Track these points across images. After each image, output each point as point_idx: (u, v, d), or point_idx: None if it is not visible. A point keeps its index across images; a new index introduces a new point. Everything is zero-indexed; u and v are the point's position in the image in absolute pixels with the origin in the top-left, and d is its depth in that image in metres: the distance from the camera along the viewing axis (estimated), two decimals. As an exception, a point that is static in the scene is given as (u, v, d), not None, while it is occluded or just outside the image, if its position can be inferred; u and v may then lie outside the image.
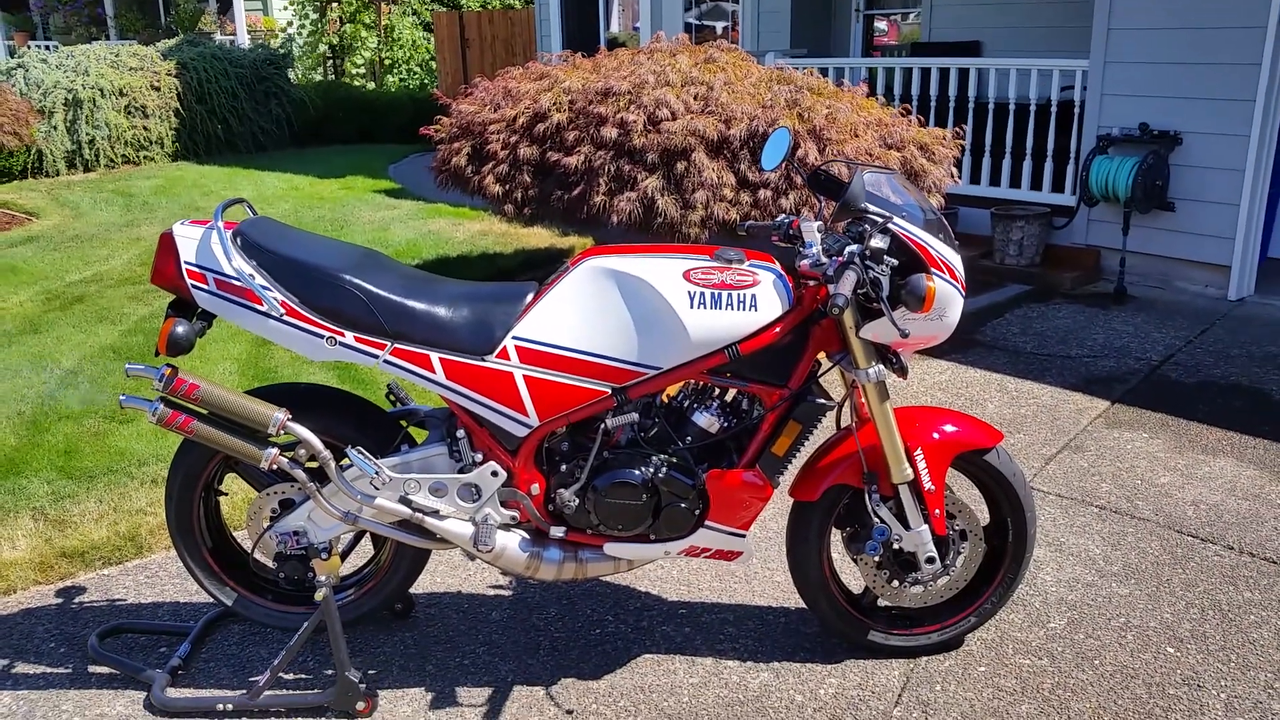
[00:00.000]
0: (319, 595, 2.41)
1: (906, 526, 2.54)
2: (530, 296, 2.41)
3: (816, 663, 2.70)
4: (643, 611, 2.95)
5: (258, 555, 2.60)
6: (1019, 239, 6.56)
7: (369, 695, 2.51)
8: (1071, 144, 6.56)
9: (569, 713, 2.52)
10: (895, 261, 2.29)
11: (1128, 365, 4.98)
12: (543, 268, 6.83)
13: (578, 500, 2.44)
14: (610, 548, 2.50)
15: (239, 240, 2.34)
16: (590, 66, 5.35)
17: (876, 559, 2.61)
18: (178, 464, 2.56)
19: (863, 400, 2.55)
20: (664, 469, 2.44)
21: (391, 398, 2.71)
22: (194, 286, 2.33)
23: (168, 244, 2.36)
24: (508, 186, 4.95)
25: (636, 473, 2.43)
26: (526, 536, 2.51)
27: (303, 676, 2.65)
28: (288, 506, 2.55)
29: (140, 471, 3.68)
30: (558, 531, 2.49)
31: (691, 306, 2.32)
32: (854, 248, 2.28)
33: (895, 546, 2.57)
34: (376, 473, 2.39)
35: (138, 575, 3.16)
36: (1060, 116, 6.58)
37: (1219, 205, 5.83)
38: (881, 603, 2.75)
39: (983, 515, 2.79)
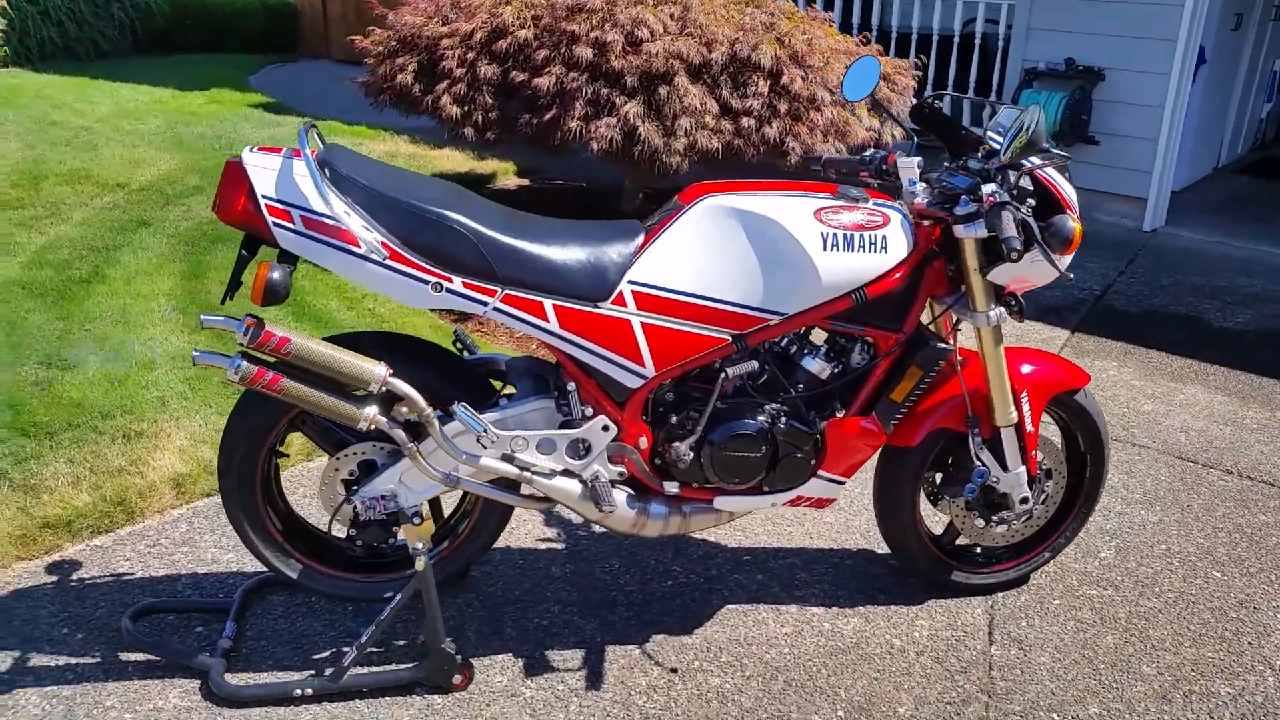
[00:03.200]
0: (419, 564, 2.20)
1: (1005, 468, 2.53)
2: (642, 237, 2.23)
3: (898, 605, 2.69)
4: (707, 560, 2.86)
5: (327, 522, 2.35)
6: (943, 170, 6.67)
7: (464, 666, 2.33)
8: (994, 77, 6.69)
9: (673, 670, 2.42)
10: (1034, 202, 2.23)
11: (1073, 295, 5.17)
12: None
13: (692, 454, 2.30)
14: (721, 501, 2.38)
15: (327, 172, 2.05)
16: (543, -21, 5.01)
17: (966, 500, 2.60)
18: (237, 425, 2.25)
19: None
20: (782, 418, 2.33)
21: (458, 345, 2.48)
22: (276, 224, 2.02)
23: (236, 174, 2.05)
24: (467, 108, 4.61)
25: (754, 423, 2.31)
26: (632, 493, 2.36)
27: (373, 651, 2.44)
28: (367, 469, 2.30)
29: (106, 425, 3.27)
30: (671, 487, 2.35)
31: (825, 248, 2.19)
32: (989, 188, 2.19)
33: (991, 488, 2.57)
34: (485, 430, 2.18)
35: (136, 544, 2.82)
36: (981, 50, 6.68)
37: (1139, 140, 6.08)
38: (961, 541, 2.76)
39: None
